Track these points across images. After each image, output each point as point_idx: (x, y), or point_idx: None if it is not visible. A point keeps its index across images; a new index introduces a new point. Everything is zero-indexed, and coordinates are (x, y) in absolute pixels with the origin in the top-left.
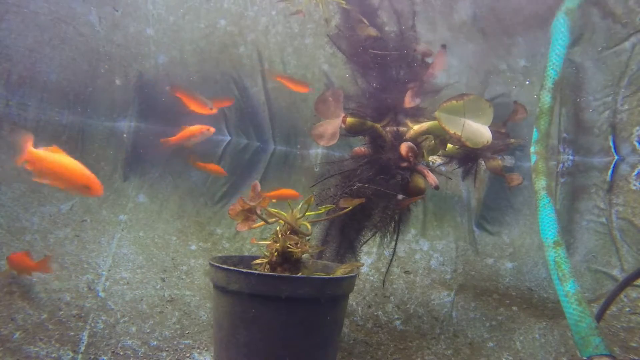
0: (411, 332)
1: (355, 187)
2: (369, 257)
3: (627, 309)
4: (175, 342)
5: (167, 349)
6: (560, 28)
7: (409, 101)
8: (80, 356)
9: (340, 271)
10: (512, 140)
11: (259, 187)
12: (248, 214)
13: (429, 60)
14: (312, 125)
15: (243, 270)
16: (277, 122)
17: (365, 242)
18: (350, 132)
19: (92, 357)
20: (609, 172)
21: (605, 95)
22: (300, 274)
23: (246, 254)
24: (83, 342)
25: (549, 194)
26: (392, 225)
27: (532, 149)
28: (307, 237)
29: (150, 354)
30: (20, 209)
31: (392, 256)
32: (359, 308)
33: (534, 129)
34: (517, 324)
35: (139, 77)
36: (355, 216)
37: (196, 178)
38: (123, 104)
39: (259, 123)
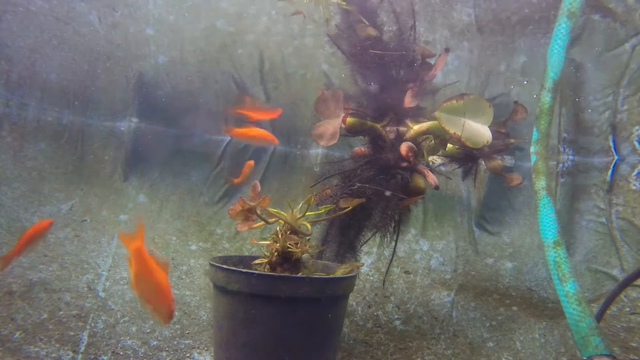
0: (411, 332)
1: (355, 187)
2: (369, 257)
3: (627, 309)
4: (175, 342)
5: (167, 349)
6: (561, 28)
7: (409, 101)
8: (80, 356)
9: (340, 271)
10: (512, 140)
11: (259, 187)
12: (248, 214)
13: (429, 60)
14: (312, 125)
15: (243, 270)
16: (277, 122)
17: (365, 242)
18: (350, 132)
19: (92, 357)
20: (609, 172)
21: (605, 95)
22: (300, 274)
23: (246, 254)
24: (83, 342)
25: (549, 194)
26: (392, 225)
27: (532, 149)
28: (307, 237)
29: (150, 354)
30: (20, 209)
31: (392, 256)
32: (359, 308)
33: (534, 129)
34: (517, 324)
35: (139, 77)
36: (355, 216)
37: (196, 178)
38: (123, 104)
39: (258, 123)
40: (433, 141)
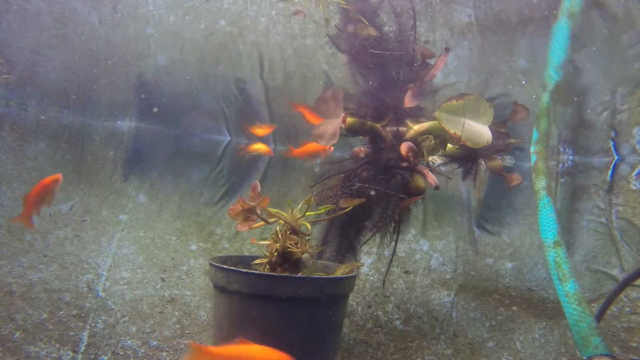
0: (411, 332)
1: (355, 187)
2: (369, 257)
3: (627, 309)
4: (175, 342)
5: (167, 349)
6: (561, 29)
7: (409, 101)
8: (80, 356)
9: (340, 271)
10: (512, 140)
11: (258, 187)
12: (248, 214)
13: (429, 61)
14: (312, 125)
15: (243, 270)
16: (277, 122)
17: (365, 242)
18: (350, 132)
19: (92, 357)
20: (609, 172)
21: (605, 95)
22: (300, 274)
23: (246, 254)
24: (83, 342)
25: (549, 194)
26: (392, 225)
27: (532, 149)
28: (307, 237)
29: (150, 354)
30: (20, 209)
31: (392, 256)
32: (359, 308)
33: (534, 129)
34: (517, 324)
35: (139, 77)
36: (355, 216)
37: (196, 178)
38: (123, 104)
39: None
40: (433, 141)
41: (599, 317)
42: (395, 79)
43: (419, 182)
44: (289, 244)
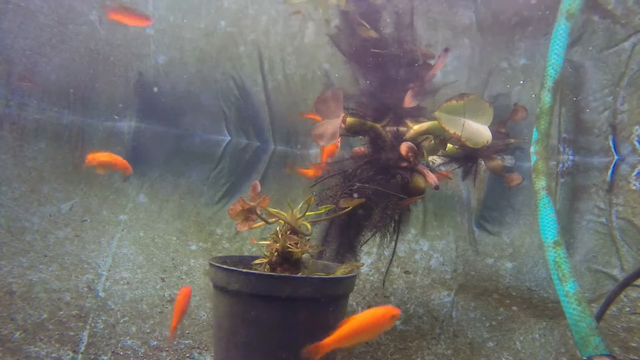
0: (411, 332)
1: (355, 187)
2: (369, 257)
3: (627, 309)
4: (175, 342)
5: (167, 349)
6: (560, 29)
7: (409, 101)
8: (80, 356)
9: (340, 271)
10: (512, 140)
11: (258, 187)
12: (248, 214)
13: (430, 61)
14: (312, 125)
15: (243, 270)
16: (277, 122)
17: (365, 242)
18: (350, 132)
19: (92, 357)
20: (609, 172)
21: (605, 95)
22: (300, 274)
23: (246, 254)
24: (83, 342)
25: (549, 194)
26: (392, 225)
27: (532, 149)
28: (307, 237)
29: (150, 354)
30: (20, 209)
31: (392, 256)
32: (359, 308)
33: (534, 129)
34: (517, 324)
35: (139, 77)
36: (355, 216)
37: (196, 178)
38: (123, 104)
39: (259, 123)
40: (433, 141)
41: (599, 317)
42: (395, 79)
43: (419, 182)
44: (289, 244)
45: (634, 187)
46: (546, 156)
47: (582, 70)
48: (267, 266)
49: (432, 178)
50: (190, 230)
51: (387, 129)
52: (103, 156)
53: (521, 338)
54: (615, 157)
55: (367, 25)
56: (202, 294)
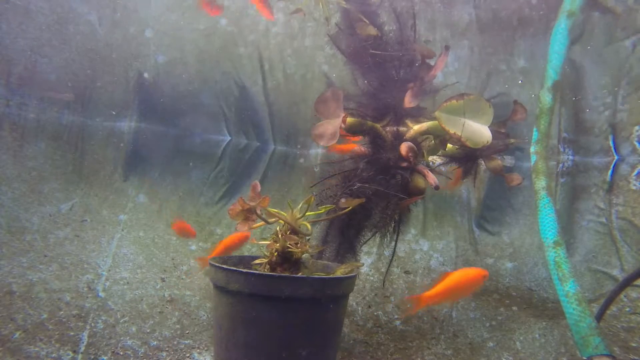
0: (411, 332)
1: (355, 187)
2: (369, 257)
3: (627, 309)
4: (175, 342)
5: (167, 349)
6: (561, 29)
7: (409, 101)
8: (80, 356)
9: (340, 271)
10: (512, 140)
11: (259, 187)
12: (248, 214)
13: (430, 61)
14: (312, 125)
15: (243, 270)
16: (277, 122)
17: (365, 242)
18: (350, 132)
19: (92, 357)
20: (609, 172)
21: (605, 95)
22: (300, 274)
23: (246, 254)
24: (83, 342)
25: (549, 194)
26: (392, 225)
27: (532, 149)
28: (307, 237)
29: (150, 354)
30: (20, 209)
31: (392, 256)
32: (359, 308)
33: (534, 129)
34: (517, 324)
35: (139, 77)
36: (355, 216)
37: (196, 178)
38: (123, 104)
39: (259, 123)
40: (433, 141)
41: (599, 317)
42: (395, 79)
43: (419, 182)
44: (289, 244)
45: (634, 187)
46: (546, 156)
47: (582, 70)
48: (267, 266)
49: (432, 178)
50: None
51: (387, 129)
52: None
53: (521, 338)
54: (615, 157)
55: (369, 23)
56: (202, 294)
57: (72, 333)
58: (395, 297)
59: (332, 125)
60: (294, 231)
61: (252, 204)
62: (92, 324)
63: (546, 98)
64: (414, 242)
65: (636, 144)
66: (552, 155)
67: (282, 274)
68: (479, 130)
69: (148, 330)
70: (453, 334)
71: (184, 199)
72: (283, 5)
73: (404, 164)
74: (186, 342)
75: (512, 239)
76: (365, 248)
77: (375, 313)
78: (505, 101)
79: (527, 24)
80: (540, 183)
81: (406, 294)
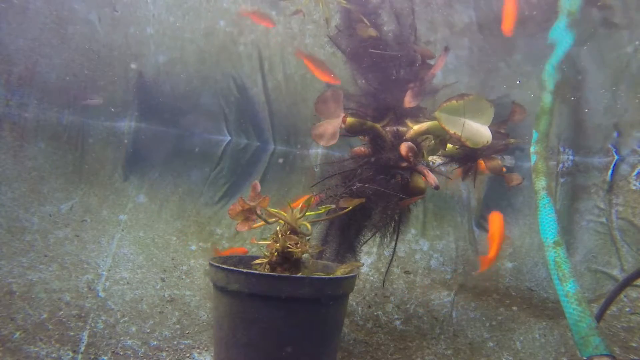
0: (411, 332)
1: (355, 187)
2: (369, 257)
3: (627, 309)
4: (175, 342)
5: (167, 349)
6: (561, 29)
7: (409, 101)
8: (80, 356)
9: (340, 271)
10: (512, 140)
11: (259, 187)
12: (248, 214)
13: (430, 61)
14: (312, 125)
15: (243, 270)
16: (277, 122)
17: (365, 242)
18: (350, 132)
19: (92, 357)
20: (609, 172)
21: (605, 95)
22: (300, 274)
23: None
24: (83, 342)
25: (549, 194)
26: (392, 225)
27: (532, 149)
28: (307, 237)
29: (150, 354)
30: (20, 209)
31: (392, 256)
32: (359, 308)
33: (534, 129)
34: (517, 324)
35: (139, 77)
36: (355, 216)
37: (196, 178)
38: (123, 104)
39: (259, 123)
40: (433, 141)
41: (599, 317)
42: (395, 79)
43: (419, 182)
44: (289, 244)
45: (634, 187)
46: (546, 156)
47: (583, 70)
48: (267, 266)
49: (432, 178)
50: (190, 230)
51: (387, 129)
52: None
53: (521, 338)
54: (615, 157)
55: (368, 23)
56: (202, 294)
57: (72, 333)
58: (395, 297)
59: (332, 125)
60: (294, 231)
61: (252, 204)
62: (92, 324)
63: (546, 98)
64: (414, 242)
65: (636, 144)
66: (552, 155)
67: (282, 274)
68: (479, 130)
69: (148, 330)
70: (453, 334)
71: (184, 199)
72: (283, 5)
73: (404, 164)
74: (186, 342)
75: (512, 239)
76: (365, 248)
77: (375, 313)
78: (507, 102)
79: (527, 24)
80: (540, 183)
81: (406, 294)
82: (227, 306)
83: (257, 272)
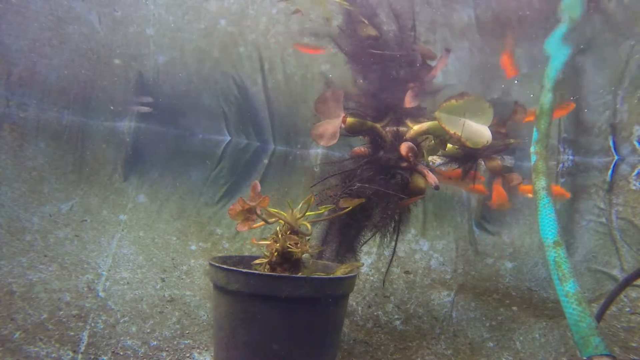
0: (411, 332)
1: (355, 187)
2: (369, 257)
3: (627, 309)
4: (175, 342)
5: (167, 349)
6: (561, 28)
7: (409, 101)
8: (80, 356)
9: (340, 271)
10: (512, 141)
11: (258, 187)
12: (248, 214)
13: (430, 62)
14: (312, 125)
15: (243, 270)
16: (277, 122)
17: (365, 242)
18: (350, 132)
19: (92, 357)
20: (609, 172)
21: (605, 95)
22: (300, 274)
23: (246, 254)
24: (83, 342)
25: (549, 194)
26: (392, 225)
27: (532, 149)
28: (307, 237)
29: (150, 354)
30: (20, 209)
31: (392, 256)
32: (359, 308)
33: (534, 129)
34: (517, 324)
35: (139, 77)
36: (355, 216)
37: (196, 178)
38: (123, 104)
39: (259, 123)
40: (433, 141)
41: (599, 317)
42: (395, 79)
43: (419, 182)
44: (289, 244)
45: (634, 187)
46: (546, 156)
47: (583, 70)
48: (267, 266)
49: (432, 178)
50: (190, 230)
51: (387, 129)
52: None
53: (521, 338)
54: (615, 157)
55: (370, 24)
56: (202, 294)
57: (72, 333)
58: (395, 297)
59: (332, 125)
60: (294, 231)
61: (252, 204)
62: (92, 324)
63: (546, 98)
64: (414, 242)
65: (636, 144)
66: (552, 155)
67: (282, 274)
68: (479, 130)
69: (148, 330)
70: (453, 334)
71: (184, 199)
72: (284, 6)
73: (404, 164)
74: (186, 342)
75: (512, 239)
76: (365, 248)
77: (375, 313)
78: (505, 101)
79: (527, 24)
80: (540, 183)
81: (406, 294)
82: (227, 306)
83: (257, 272)
